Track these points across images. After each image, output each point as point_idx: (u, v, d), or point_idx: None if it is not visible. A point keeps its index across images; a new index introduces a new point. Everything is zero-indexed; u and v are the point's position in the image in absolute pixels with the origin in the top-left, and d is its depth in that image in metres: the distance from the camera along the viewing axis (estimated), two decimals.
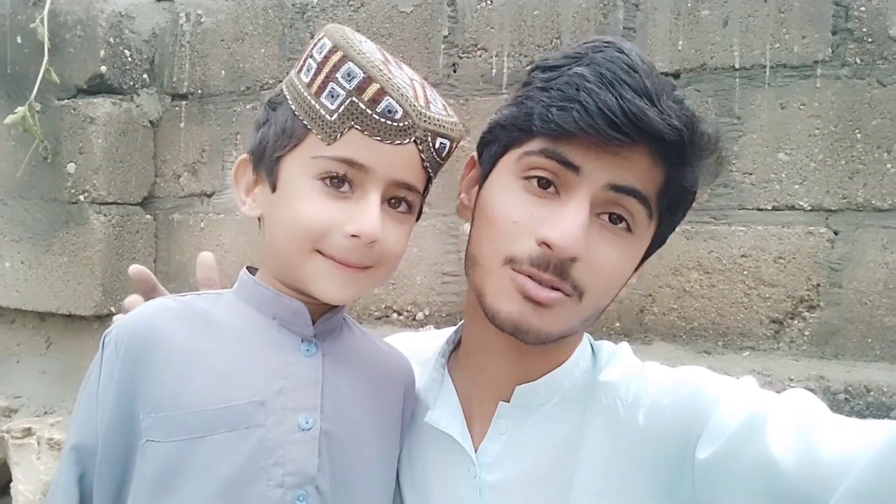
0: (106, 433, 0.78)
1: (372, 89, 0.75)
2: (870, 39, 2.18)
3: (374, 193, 0.77)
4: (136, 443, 0.78)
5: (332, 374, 0.84)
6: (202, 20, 2.85)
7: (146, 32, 2.88)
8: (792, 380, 1.98)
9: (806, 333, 2.23)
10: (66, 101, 2.72)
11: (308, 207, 0.77)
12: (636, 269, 0.90)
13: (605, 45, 0.81)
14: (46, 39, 2.61)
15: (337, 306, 0.87)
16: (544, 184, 0.81)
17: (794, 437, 0.68)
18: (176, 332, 0.80)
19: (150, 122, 2.88)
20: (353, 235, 0.76)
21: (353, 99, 0.75)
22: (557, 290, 0.80)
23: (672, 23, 2.35)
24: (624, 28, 2.33)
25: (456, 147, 0.86)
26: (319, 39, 0.80)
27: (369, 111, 0.75)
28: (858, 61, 2.19)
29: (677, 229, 0.91)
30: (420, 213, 0.92)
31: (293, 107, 0.80)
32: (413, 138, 0.77)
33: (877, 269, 2.17)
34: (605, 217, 0.81)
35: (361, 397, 0.87)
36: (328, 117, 0.76)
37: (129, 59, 2.80)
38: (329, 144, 0.77)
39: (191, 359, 0.79)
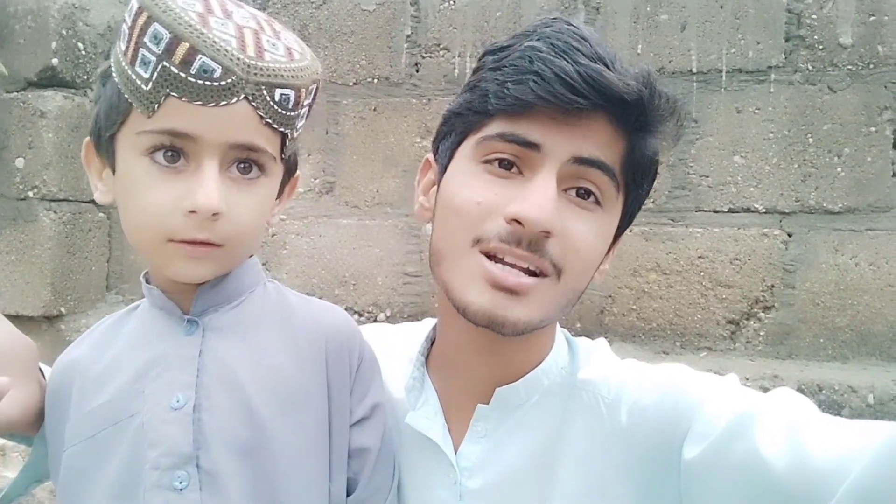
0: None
1: (181, 50, 0.67)
2: (821, 46, 2.24)
3: (208, 162, 0.71)
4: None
5: (218, 348, 0.79)
6: None
7: (101, 26, 2.80)
8: (748, 379, 2.02)
9: (761, 334, 2.27)
10: (15, 93, 2.63)
11: (144, 195, 0.72)
12: (609, 250, 0.87)
13: (553, 20, 0.80)
14: None
15: (220, 277, 0.81)
16: (506, 164, 0.79)
17: (784, 437, 0.67)
18: (84, 356, 0.83)
19: None
20: (191, 212, 0.70)
21: (164, 63, 0.68)
22: (534, 272, 0.77)
23: (631, 26, 2.37)
24: None
25: (310, 95, 0.78)
26: (131, 1, 0.72)
27: (183, 74, 0.68)
28: (810, 67, 2.25)
29: (636, 230, 0.90)
30: (293, 171, 0.87)
31: (116, 79, 0.73)
32: (242, 95, 0.70)
33: (828, 270, 2.23)
34: (573, 192, 0.79)
35: (263, 366, 0.80)
36: (143, 87, 0.69)
37: (83, 52, 2.72)
38: (149, 117, 0.70)
39: (96, 372, 0.81)
